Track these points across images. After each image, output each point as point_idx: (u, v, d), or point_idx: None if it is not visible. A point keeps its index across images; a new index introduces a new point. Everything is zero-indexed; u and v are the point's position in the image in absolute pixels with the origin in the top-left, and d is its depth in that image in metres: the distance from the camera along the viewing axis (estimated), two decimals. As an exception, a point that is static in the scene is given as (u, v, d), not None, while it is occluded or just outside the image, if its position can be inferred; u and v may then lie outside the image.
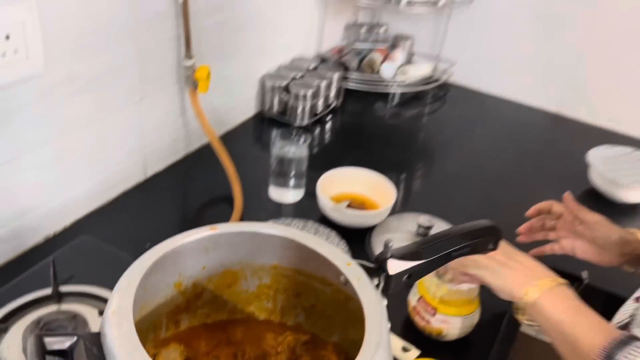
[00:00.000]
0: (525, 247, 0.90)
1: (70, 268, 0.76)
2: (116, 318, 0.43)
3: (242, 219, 1.01)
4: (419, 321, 0.81)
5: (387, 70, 1.52)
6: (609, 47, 1.43)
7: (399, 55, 1.57)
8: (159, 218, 1.00)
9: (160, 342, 0.57)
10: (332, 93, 1.41)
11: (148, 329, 0.55)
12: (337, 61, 1.51)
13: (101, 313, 0.67)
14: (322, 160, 1.15)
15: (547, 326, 0.63)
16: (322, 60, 1.49)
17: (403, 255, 0.52)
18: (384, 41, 1.64)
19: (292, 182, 1.06)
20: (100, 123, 0.93)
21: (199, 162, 1.17)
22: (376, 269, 0.52)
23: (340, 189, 1.06)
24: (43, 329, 0.62)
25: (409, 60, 1.62)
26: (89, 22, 0.84)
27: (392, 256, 0.51)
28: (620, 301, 0.78)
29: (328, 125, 1.39)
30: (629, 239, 0.82)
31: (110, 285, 0.72)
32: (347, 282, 0.52)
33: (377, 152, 1.31)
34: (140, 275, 0.47)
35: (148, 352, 0.40)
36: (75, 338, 0.41)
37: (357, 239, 0.98)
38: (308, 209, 1.05)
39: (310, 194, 1.05)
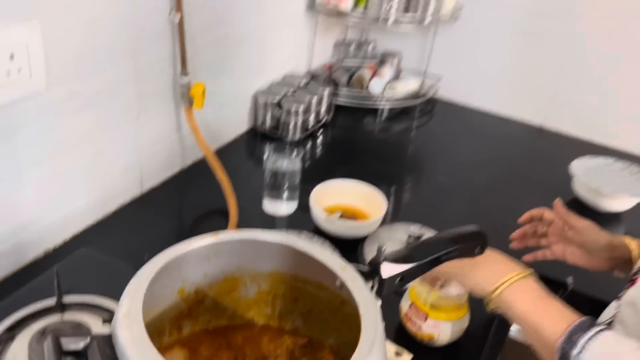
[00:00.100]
0: (518, 253, 0.93)
1: (73, 279, 0.77)
2: (127, 320, 0.45)
3: (238, 231, 1.03)
4: (411, 327, 0.84)
5: (375, 86, 1.57)
6: (588, 61, 1.48)
7: (387, 72, 1.62)
8: (156, 231, 1.02)
9: (164, 347, 0.59)
10: (323, 108, 1.45)
11: (152, 334, 0.57)
12: (327, 77, 1.55)
13: (105, 321, 0.69)
14: (314, 174, 1.18)
15: (515, 318, 0.64)
16: (313, 76, 1.52)
17: (395, 259, 0.55)
18: (373, 58, 1.68)
19: (285, 194, 1.09)
20: (98, 139, 0.96)
21: (194, 176, 1.19)
22: (370, 272, 0.55)
23: (333, 201, 1.10)
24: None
25: (396, 77, 1.66)
26: (88, 42, 0.87)
27: (385, 260, 0.54)
28: (605, 306, 0.81)
29: (319, 140, 1.42)
30: (616, 244, 0.85)
31: (112, 295, 0.76)
32: (342, 286, 0.55)
33: (367, 165, 1.34)
34: (148, 280, 0.49)
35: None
36: (89, 339, 0.43)
37: (349, 249, 1.01)
38: (301, 221, 1.07)
39: (303, 207, 1.08)
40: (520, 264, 0.69)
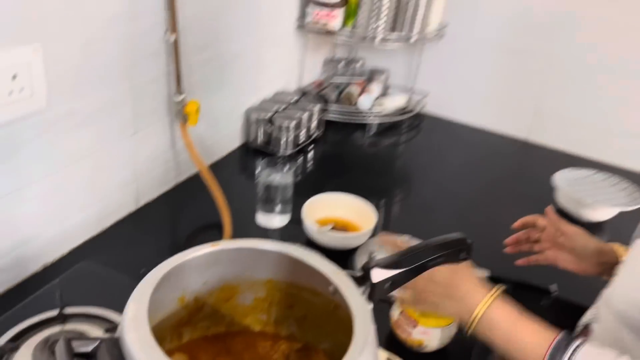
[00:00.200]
0: (517, 255, 0.98)
1: (73, 291, 0.80)
2: (133, 324, 0.48)
3: (232, 244, 1.06)
4: (401, 333, 0.87)
5: (364, 102, 1.61)
6: (569, 76, 1.53)
7: (375, 88, 1.66)
8: (152, 245, 1.04)
9: (165, 353, 0.61)
10: (314, 124, 1.48)
11: (154, 340, 0.60)
12: (317, 94, 1.59)
13: (107, 331, 0.72)
14: (306, 187, 1.21)
15: (496, 345, 0.67)
16: (303, 93, 1.56)
17: (386, 265, 0.58)
18: (361, 75, 1.72)
19: (278, 208, 1.12)
20: (96, 155, 0.99)
21: (189, 191, 1.22)
22: (362, 277, 0.58)
23: (324, 214, 1.13)
24: (52, 347, 0.67)
25: (384, 93, 1.71)
26: (87, 62, 0.90)
27: (376, 265, 0.57)
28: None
29: (310, 155, 1.46)
30: (605, 249, 0.89)
31: (112, 306, 0.78)
32: (335, 292, 0.58)
33: (357, 178, 1.38)
34: (152, 286, 0.52)
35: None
36: (98, 342, 0.46)
37: (341, 260, 1.03)
38: (294, 233, 1.10)
39: (296, 220, 1.11)
40: (485, 285, 0.71)
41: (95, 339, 0.45)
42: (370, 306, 0.56)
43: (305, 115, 1.42)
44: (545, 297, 1.01)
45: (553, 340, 0.62)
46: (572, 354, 0.59)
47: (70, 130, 0.91)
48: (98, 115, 0.96)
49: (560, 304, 1.00)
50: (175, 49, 1.06)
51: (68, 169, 0.94)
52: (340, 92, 1.63)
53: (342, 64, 1.71)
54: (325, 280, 0.59)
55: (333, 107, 1.59)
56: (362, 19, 1.48)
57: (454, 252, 0.63)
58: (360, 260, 1.03)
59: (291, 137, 1.38)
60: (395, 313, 0.88)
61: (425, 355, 0.86)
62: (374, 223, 1.08)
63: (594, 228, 1.25)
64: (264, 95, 1.47)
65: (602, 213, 1.25)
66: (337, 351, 0.63)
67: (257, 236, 1.10)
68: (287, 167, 1.12)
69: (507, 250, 0.99)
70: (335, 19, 1.45)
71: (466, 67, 1.65)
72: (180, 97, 1.11)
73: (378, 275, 0.57)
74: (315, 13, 1.44)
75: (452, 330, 0.86)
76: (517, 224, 0.99)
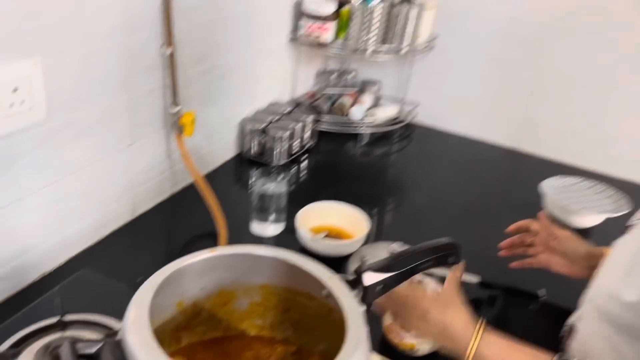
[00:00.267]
0: (507, 260, 1.01)
1: (72, 299, 0.81)
2: (135, 326, 0.50)
3: (228, 252, 1.08)
4: (394, 338, 0.88)
5: (356, 112, 1.64)
6: (555, 87, 1.57)
7: (367, 99, 1.69)
8: (148, 254, 1.06)
9: (164, 357, 0.63)
10: (307, 134, 1.51)
11: (153, 344, 0.62)
12: (310, 105, 1.61)
13: (107, 337, 0.73)
14: (299, 196, 1.23)
15: None
16: (297, 104, 1.58)
17: (377, 268, 0.60)
18: (353, 86, 1.75)
19: (272, 217, 1.14)
20: (93, 166, 1.01)
21: (184, 200, 1.24)
22: (354, 280, 0.60)
23: (318, 222, 1.15)
24: (53, 352, 0.68)
25: (376, 103, 1.73)
26: (85, 75, 0.93)
27: (368, 269, 0.60)
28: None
29: (304, 164, 1.48)
30: (595, 253, 0.91)
31: (110, 313, 0.80)
32: (329, 295, 0.60)
33: (350, 187, 1.40)
34: (152, 290, 0.54)
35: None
36: (101, 343, 0.48)
37: (334, 267, 1.04)
38: (288, 241, 1.12)
39: (290, 228, 1.13)
40: (469, 308, 0.74)
41: (98, 341, 0.47)
42: (363, 308, 0.58)
43: (299, 126, 1.44)
44: (533, 302, 1.03)
45: None
46: None
47: (68, 142, 0.93)
48: (96, 127, 0.98)
49: (549, 308, 1.02)
50: (171, 62, 1.09)
51: (66, 180, 0.95)
52: (333, 103, 1.66)
53: (334, 75, 1.74)
54: (319, 284, 0.61)
55: (326, 117, 1.61)
56: (354, 31, 1.51)
57: (443, 256, 0.66)
58: (353, 267, 1.06)
59: (285, 147, 1.41)
60: (388, 318, 0.90)
61: (417, 359, 0.88)
62: (366, 231, 1.10)
63: (581, 234, 1.27)
64: (258, 106, 1.49)
65: (589, 220, 1.27)
66: (332, 353, 0.65)
67: (252, 244, 1.13)
68: (281, 176, 1.14)
69: (502, 253, 1.01)
70: (327, 31, 1.48)
71: (456, 77, 1.69)
72: (176, 109, 1.13)
73: (370, 278, 0.60)
74: (307, 26, 1.47)
75: (443, 334, 0.88)
76: (511, 228, 1.02)
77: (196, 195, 1.17)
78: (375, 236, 1.18)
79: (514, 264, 1.00)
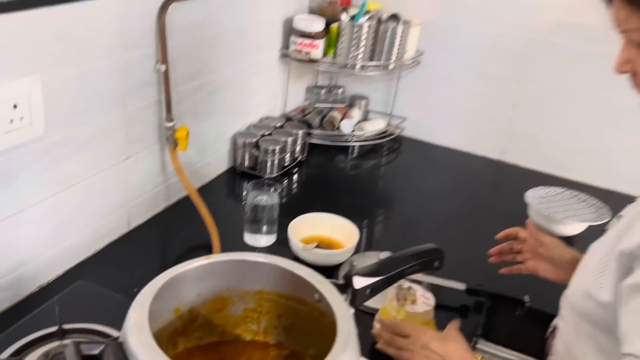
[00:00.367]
0: (493, 268, 1.04)
1: (70, 309, 0.83)
2: (136, 328, 0.52)
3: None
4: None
5: (346, 126, 1.67)
6: (537, 100, 1.62)
7: (356, 113, 1.73)
8: (143, 266, 1.07)
9: None
10: (298, 148, 1.54)
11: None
12: (301, 119, 1.64)
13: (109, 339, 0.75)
14: (291, 208, 1.25)
15: None
16: (288, 119, 1.62)
17: (366, 273, 0.63)
18: (342, 101, 1.78)
19: (264, 228, 1.17)
20: (90, 180, 1.03)
21: (178, 213, 1.26)
22: (344, 285, 0.63)
23: (309, 232, 1.18)
24: (53, 359, 0.70)
25: (365, 117, 1.77)
26: (82, 92, 0.96)
27: (357, 273, 0.63)
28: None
29: (295, 177, 1.51)
30: (580, 259, 0.95)
31: (107, 323, 0.82)
32: (320, 299, 0.63)
33: (340, 199, 1.43)
34: (151, 295, 0.57)
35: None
36: (104, 345, 0.50)
37: (325, 276, 1.08)
38: (280, 252, 1.13)
39: (281, 239, 1.16)
40: (469, 348, 0.79)
41: (101, 342, 0.50)
42: (352, 311, 0.61)
43: (290, 140, 1.47)
44: (519, 307, 1.06)
45: None
46: None
47: (66, 156, 0.96)
48: (92, 142, 1.01)
49: (533, 313, 1.05)
50: (165, 78, 1.12)
51: (64, 193, 0.98)
52: (323, 117, 1.69)
53: (324, 90, 1.77)
54: (311, 289, 0.64)
55: (316, 131, 1.64)
56: (343, 48, 1.56)
57: (429, 261, 0.69)
58: (343, 274, 1.08)
59: (276, 161, 1.44)
60: (376, 325, 0.93)
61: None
62: (356, 241, 1.13)
63: (564, 242, 1.32)
64: (250, 120, 1.53)
65: (571, 228, 1.31)
66: (323, 356, 0.68)
67: (245, 255, 1.15)
68: (273, 189, 1.17)
69: (492, 260, 1.05)
70: (317, 48, 1.52)
71: (442, 92, 1.72)
72: (171, 124, 1.16)
73: (359, 282, 0.63)
74: (298, 43, 1.52)
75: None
76: (500, 235, 1.05)
77: (190, 208, 1.19)
78: (365, 246, 1.21)
79: (503, 270, 1.04)
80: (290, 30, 1.52)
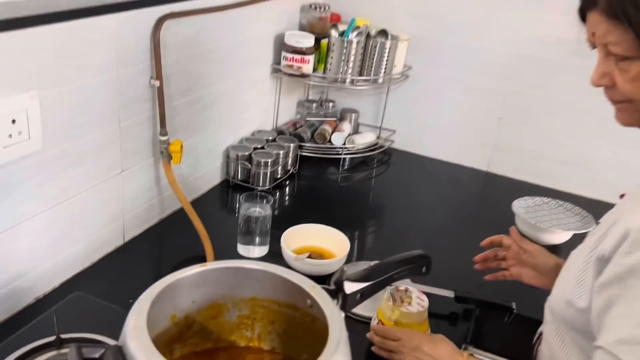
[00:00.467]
0: (481, 275, 1.06)
1: (67, 320, 0.85)
2: (135, 332, 0.54)
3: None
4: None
5: (337, 139, 1.70)
6: (523, 113, 1.66)
7: (347, 126, 1.76)
8: (138, 278, 1.08)
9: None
10: (290, 160, 1.57)
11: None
12: (293, 133, 1.67)
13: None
14: (283, 220, 1.27)
15: None
16: (279, 132, 1.64)
17: (356, 278, 0.66)
18: (333, 115, 1.81)
19: (257, 239, 1.19)
20: (86, 193, 1.05)
21: (172, 226, 1.28)
22: (335, 290, 0.66)
23: (301, 243, 1.20)
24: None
25: (355, 130, 1.81)
26: (79, 107, 0.98)
27: (348, 279, 0.65)
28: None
29: (287, 189, 1.54)
30: (563, 265, 0.98)
31: (104, 333, 0.83)
32: (312, 305, 0.66)
33: (331, 210, 1.46)
34: (149, 301, 0.59)
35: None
36: (104, 349, 0.52)
37: (318, 285, 1.11)
38: (273, 263, 1.16)
39: (274, 251, 1.18)
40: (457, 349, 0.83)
41: (101, 346, 0.52)
42: (343, 315, 0.64)
43: (282, 153, 1.50)
44: (507, 314, 1.09)
45: None
46: None
47: (63, 170, 0.98)
48: (88, 156, 1.03)
49: (521, 319, 1.07)
50: (160, 94, 1.15)
51: (60, 206, 1.00)
52: (314, 131, 1.72)
53: (315, 104, 1.81)
54: (303, 295, 0.66)
55: (307, 144, 1.67)
56: (333, 63, 1.60)
57: (417, 267, 0.71)
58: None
59: (269, 173, 1.46)
60: (373, 323, 0.95)
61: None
62: (347, 251, 1.16)
63: (550, 251, 1.34)
64: (243, 134, 1.55)
65: (557, 237, 1.34)
66: None
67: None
68: (265, 201, 1.19)
69: (477, 267, 1.07)
70: (307, 63, 1.56)
71: (430, 105, 1.76)
72: (165, 138, 1.19)
73: (350, 287, 0.65)
74: (289, 58, 1.55)
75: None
76: (484, 242, 1.08)
77: (184, 220, 1.21)
78: (356, 256, 1.24)
79: (488, 277, 1.06)
80: (281, 46, 1.55)
